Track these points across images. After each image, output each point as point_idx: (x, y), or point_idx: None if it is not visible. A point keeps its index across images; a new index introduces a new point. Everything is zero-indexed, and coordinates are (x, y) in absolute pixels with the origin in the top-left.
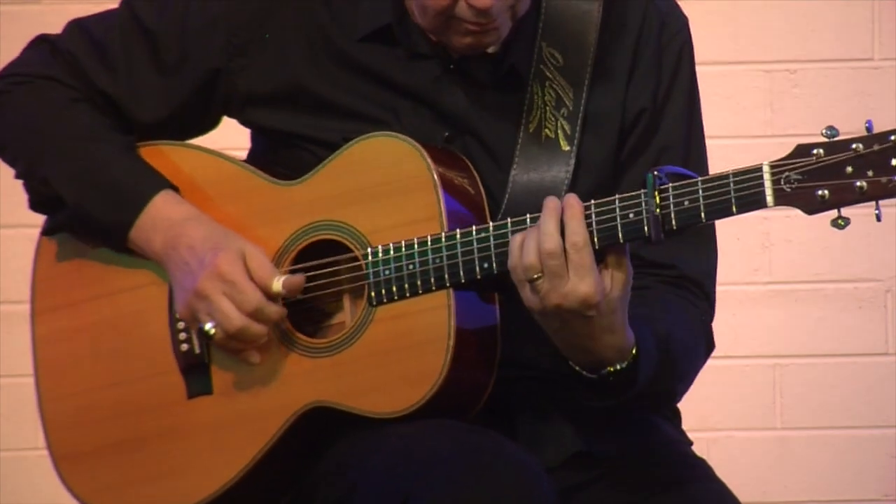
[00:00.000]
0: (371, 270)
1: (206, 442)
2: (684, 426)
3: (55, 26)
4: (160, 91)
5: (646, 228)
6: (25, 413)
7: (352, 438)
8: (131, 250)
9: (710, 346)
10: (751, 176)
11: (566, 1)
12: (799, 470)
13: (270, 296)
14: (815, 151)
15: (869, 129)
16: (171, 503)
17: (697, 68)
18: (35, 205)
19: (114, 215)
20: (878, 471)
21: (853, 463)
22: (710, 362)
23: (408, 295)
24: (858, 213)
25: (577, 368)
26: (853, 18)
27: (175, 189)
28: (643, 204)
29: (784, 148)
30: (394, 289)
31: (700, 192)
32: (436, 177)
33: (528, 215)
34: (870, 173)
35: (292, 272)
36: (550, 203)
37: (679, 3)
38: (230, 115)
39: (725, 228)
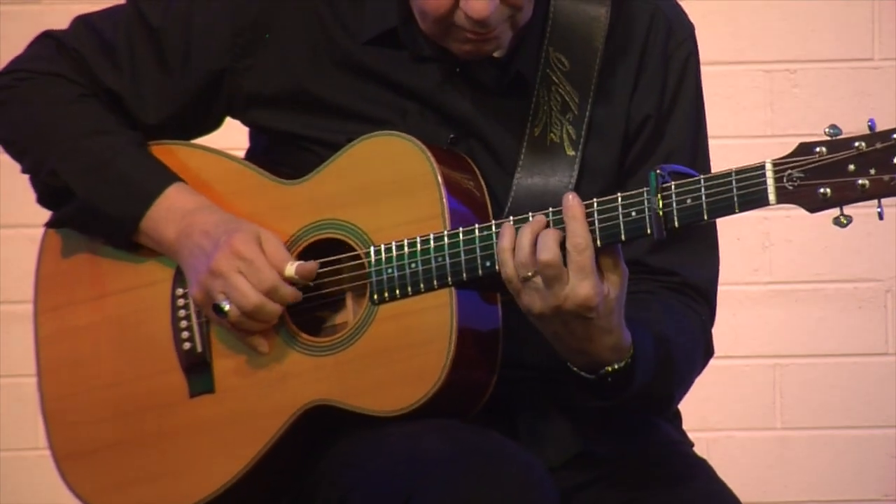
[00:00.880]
0: (373, 269)
1: (208, 441)
2: (684, 426)
3: (55, 26)
4: (163, 90)
5: (648, 227)
6: (25, 413)
7: (353, 438)
8: (135, 246)
9: (708, 351)
10: (753, 174)
11: (574, 6)
12: (799, 470)
13: (284, 279)
14: (817, 149)
15: (871, 127)
16: (172, 502)
17: None
18: (42, 199)
19: (124, 207)
20: (878, 471)
21: (853, 463)
22: (710, 362)
23: (410, 293)
24: (859, 213)
25: (575, 369)
26: (853, 18)
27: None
28: (646, 202)
29: (784, 148)
30: (396, 287)
31: (702, 190)
32: (439, 176)
33: (529, 214)
34: (872, 171)
35: None
36: (537, 222)
37: (680, 2)
38: (233, 116)
39: (725, 228)
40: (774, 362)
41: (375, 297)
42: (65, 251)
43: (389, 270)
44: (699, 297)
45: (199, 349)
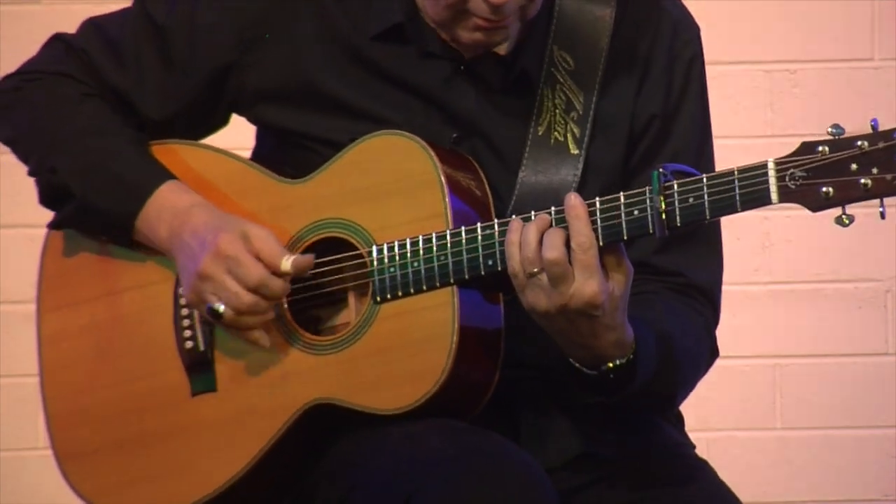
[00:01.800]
0: (376, 268)
1: (210, 439)
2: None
3: (55, 26)
4: (169, 88)
5: (650, 226)
6: (25, 413)
7: (354, 437)
8: (137, 245)
9: (713, 352)
10: (755, 173)
11: (579, 5)
12: (799, 470)
13: (279, 275)
14: (819, 149)
15: (874, 126)
16: (174, 501)
17: None
18: (45, 199)
19: (119, 206)
20: (878, 471)
21: (853, 463)
22: None
23: (412, 292)
24: (859, 213)
25: (578, 365)
26: (853, 18)
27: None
28: (648, 201)
29: (784, 148)
30: (398, 286)
31: (705, 189)
32: (442, 175)
33: (532, 213)
34: (874, 171)
35: None
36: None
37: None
38: (239, 113)
39: (726, 228)
40: (774, 362)
41: (377, 296)
42: (67, 251)
43: (392, 269)
44: (703, 298)
45: (202, 348)
